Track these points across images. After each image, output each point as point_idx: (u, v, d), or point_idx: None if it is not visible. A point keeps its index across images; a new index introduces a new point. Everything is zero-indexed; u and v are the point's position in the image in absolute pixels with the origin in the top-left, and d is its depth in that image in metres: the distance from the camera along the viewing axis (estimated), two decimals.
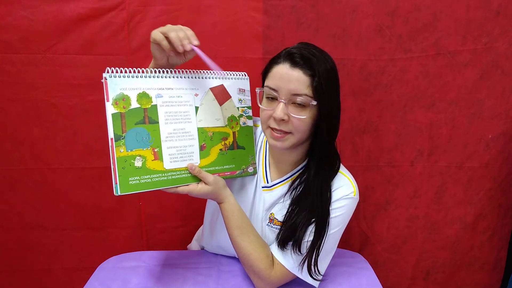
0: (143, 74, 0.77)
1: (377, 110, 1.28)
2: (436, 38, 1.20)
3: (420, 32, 1.20)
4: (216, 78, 0.87)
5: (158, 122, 0.78)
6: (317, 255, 0.84)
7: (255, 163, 0.94)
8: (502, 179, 1.30)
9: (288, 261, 0.85)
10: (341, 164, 0.90)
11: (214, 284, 0.93)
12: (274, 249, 0.88)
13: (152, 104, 0.78)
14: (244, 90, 0.92)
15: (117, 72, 0.74)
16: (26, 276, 1.36)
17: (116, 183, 0.73)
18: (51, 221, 1.31)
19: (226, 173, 0.88)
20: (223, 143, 0.88)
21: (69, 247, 1.35)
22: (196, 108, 0.84)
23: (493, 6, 1.17)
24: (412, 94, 1.26)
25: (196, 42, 0.76)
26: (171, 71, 0.81)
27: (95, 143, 1.25)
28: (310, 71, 0.76)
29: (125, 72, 0.75)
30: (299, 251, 0.84)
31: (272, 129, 0.82)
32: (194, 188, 0.80)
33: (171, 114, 0.80)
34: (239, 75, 0.91)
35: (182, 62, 0.83)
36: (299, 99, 0.78)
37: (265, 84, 0.82)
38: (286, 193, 0.90)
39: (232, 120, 0.90)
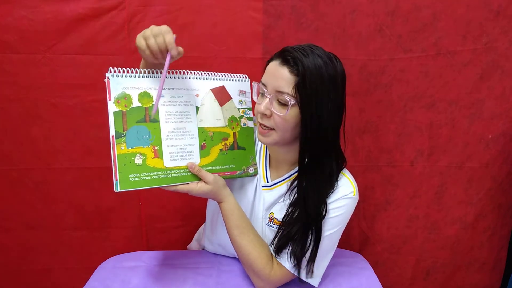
0: (145, 74, 0.78)
1: (377, 110, 1.28)
2: (436, 38, 1.20)
3: (420, 32, 1.20)
4: (217, 79, 0.88)
5: (159, 121, 0.79)
6: (315, 256, 0.84)
7: (256, 164, 0.94)
8: (502, 179, 1.30)
9: (288, 261, 0.85)
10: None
11: (214, 284, 0.93)
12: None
13: (153, 103, 0.78)
14: (245, 91, 0.93)
15: (119, 72, 0.75)
16: (26, 276, 1.36)
17: (116, 180, 0.74)
18: (51, 221, 1.31)
19: (226, 173, 0.88)
20: (223, 143, 0.88)
21: (69, 247, 1.35)
22: (197, 108, 0.84)
23: (493, 6, 1.17)
24: (412, 94, 1.26)
25: (173, 52, 0.73)
26: (172, 72, 0.81)
27: (95, 143, 1.25)
28: (296, 70, 0.76)
29: (127, 72, 0.76)
30: (297, 254, 0.84)
31: (260, 124, 0.83)
32: (194, 187, 0.80)
33: (172, 113, 0.81)
34: (240, 77, 0.92)
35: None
36: (281, 97, 0.78)
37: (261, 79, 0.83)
38: (286, 193, 0.90)
39: (232, 121, 0.90)
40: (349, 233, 1.39)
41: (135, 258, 1.04)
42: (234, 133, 0.90)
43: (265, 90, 0.81)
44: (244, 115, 0.92)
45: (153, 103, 0.78)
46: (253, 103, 0.89)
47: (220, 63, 1.23)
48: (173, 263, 1.02)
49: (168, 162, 0.80)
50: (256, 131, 0.95)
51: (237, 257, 0.91)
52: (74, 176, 1.28)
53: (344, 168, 0.90)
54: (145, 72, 0.78)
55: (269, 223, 0.93)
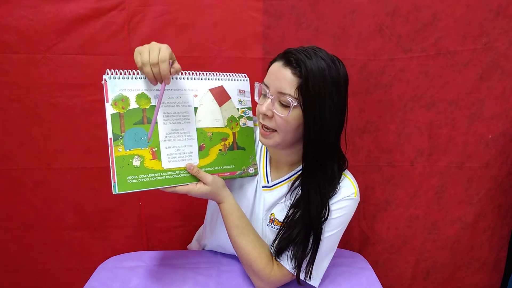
0: (143, 76, 0.78)
1: (377, 110, 1.28)
2: (436, 38, 1.20)
3: (420, 32, 1.20)
4: (215, 79, 0.87)
5: (156, 122, 0.79)
6: (315, 257, 0.84)
7: (256, 164, 0.94)
8: (502, 179, 1.30)
9: (288, 262, 0.85)
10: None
11: (214, 284, 0.93)
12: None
13: (151, 104, 0.78)
14: (244, 91, 0.92)
15: (116, 73, 0.75)
16: (26, 276, 1.36)
17: (114, 182, 0.74)
18: (51, 221, 1.31)
19: (225, 174, 0.88)
20: (222, 143, 0.88)
21: (69, 247, 1.35)
22: (195, 108, 0.84)
23: (493, 6, 1.16)
24: (412, 94, 1.26)
25: (167, 82, 0.75)
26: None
27: (95, 143, 1.25)
28: (299, 72, 0.76)
29: (125, 73, 0.76)
30: (298, 256, 0.84)
31: (262, 125, 0.83)
32: (193, 188, 0.80)
33: (170, 115, 0.81)
34: (239, 76, 0.91)
35: None
36: (283, 98, 0.78)
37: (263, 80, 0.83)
38: (286, 194, 0.90)
39: (232, 121, 0.90)
40: (349, 233, 1.39)
41: (135, 258, 1.04)
42: (234, 133, 0.90)
43: (267, 91, 0.81)
44: (244, 115, 0.92)
45: (152, 104, 0.78)
46: (254, 103, 0.89)
47: (220, 63, 1.23)
48: (173, 263, 1.02)
49: (166, 164, 0.79)
50: (257, 132, 0.96)
51: (237, 256, 0.91)
52: (74, 176, 1.28)
53: (346, 169, 0.90)
54: (142, 74, 0.78)
55: (270, 224, 0.92)
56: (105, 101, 0.74)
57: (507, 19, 1.17)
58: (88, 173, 1.28)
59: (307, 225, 0.83)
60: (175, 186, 0.79)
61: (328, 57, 0.78)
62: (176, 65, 0.76)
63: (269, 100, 0.80)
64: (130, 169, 0.75)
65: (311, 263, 0.84)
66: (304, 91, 0.75)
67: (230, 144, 0.89)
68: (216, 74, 0.88)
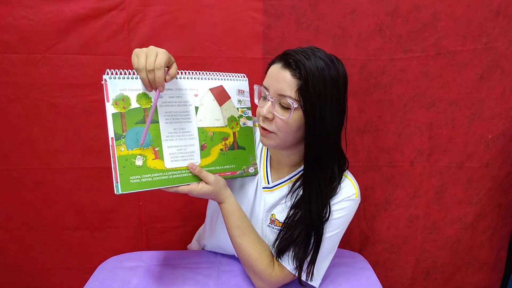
0: None
1: (377, 110, 1.28)
2: (436, 38, 1.20)
3: (420, 32, 1.20)
4: (215, 79, 0.88)
5: (158, 122, 0.79)
6: (316, 257, 0.84)
7: (256, 164, 0.94)
8: (502, 179, 1.30)
9: (289, 262, 0.85)
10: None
11: (214, 284, 0.93)
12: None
13: (152, 104, 0.78)
14: (243, 91, 0.92)
15: (116, 73, 0.75)
16: (26, 276, 1.36)
17: (117, 182, 0.73)
18: (51, 221, 1.31)
19: (227, 173, 0.88)
20: (223, 143, 0.88)
21: (69, 247, 1.35)
22: (196, 108, 0.84)
23: (493, 6, 1.16)
24: (412, 94, 1.26)
25: (161, 90, 0.75)
26: None
27: (95, 143, 1.25)
28: (299, 74, 0.75)
29: (125, 73, 0.76)
30: (299, 256, 0.84)
31: (261, 127, 0.83)
32: (195, 187, 0.80)
33: (171, 114, 0.81)
34: (238, 76, 0.92)
35: None
36: (283, 100, 0.78)
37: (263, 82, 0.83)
38: (287, 195, 0.90)
39: (232, 120, 0.90)
40: (349, 233, 1.39)
41: (135, 258, 1.04)
42: (234, 133, 0.90)
43: (267, 93, 0.80)
44: (243, 115, 0.92)
45: (152, 104, 0.78)
46: (253, 104, 0.89)
47: (220, 63, 1.23)
48: (173, 263, 1.02)
49: (168, 163, 0.79)
50: (257, 133, 0.96)
51: (237, 256, 0.91)
52: (74, 176, 1.28)
53: (346, 170, 0.90)
54: None
55: (270, 225, 0.92)
56: (106, 101, 0.74)
57: (507, 19, 1.17)
58: (88, 173, 1.28)
59: (308, 226, 0.83)
60: (177, 186, 0.79)
61: (326, 56, 0.78)
62: (172, 72, 0.75)
63: (269, 102, 0.79)
64: (133, 168, 0.75)
65: (312, 263, 0.84)
66: (305, 93, 0.75)
67: (231, 143, 0.89)
68: (216, 74, 0.88)
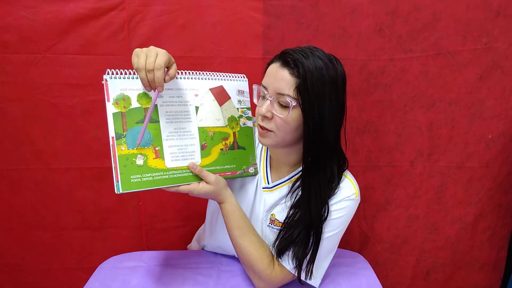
0: None
1: (377, 110, 1.28)
2: (436, 38, 1.20)
3: (420, 32, 1.20)
4: (215, 79, 0.88)
5: (158, 121, 0.79)
6: (316, 257, 0.84)
7: (256, 164, 0.94)
8: (502, 179, 1.30)
9: (289, 262, 0.85)
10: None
11: (214, 284, 0.93)
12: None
13: (151, 103, 0.78)
14: (243, 91, 0.93)
15: (117, 73, 0.75)
16: (26, 276, 1.36)
17: (117, 181, 0.73)
18: (51, 221, 1.31)
19: (227, 173, 0.88)
20: (223, 143, 0.88)
21: (69, 247, 1.35)
22: (196, 108, 0.84)
23: (493, 6, 1.17)
24: (412, 94, 1.26)
25: (160, 89, 0.75)
26: None
27: (95, 143, 1.25)
28: (297, 72, 0.76)
29: (125, 73, 0.76)
30: (299, 256, 0.84)
31: (260, 126, 0.83)
32: (195, 187, 0.80)
33: (172, 114, 0.81)
34: (238, 76, 0.92)
35: None
36: (282, 99, 0.78)
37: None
38: (287, 195, 0.90)
39: (232, 120, 0.90)
40: (349, 233, 1.39)
41: (135, 258, 1.04)
42: (234, 133, 0.90)
43: (265, 92, 0.81)
44: (243, 115, 0.92)
45: (151, 104, 0.78)
46: (253, 104, 0.89)
47: (220, 63, 1.23)
48: (173, 263, 1.02)
49: (169, 163, 0.79)
50: (257, 133, 0.96)
51: (237, 257, 0.91)
52: (74, 176, 1.28)
53: (346, 170, 0.90)
54: None
55: (270, 225, 0.92)
56: (106, 101, 0.74)
57: (507, 19, 1.17)
58: (88, 173, 1.28)
59: (307, 225, 0.83)
60: (178, 186, 0.79)
61: (325, 56, 0.79)
62: (172, 72, 0.75)
63: (268, 101, 0.80)
64: (134, 168, 0.75)
65: (311, 262, 0.84)
66: (303, 91, 0.75)
67: (231, 143, 0.90)
68: (216, 74, 0.88)
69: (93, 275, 0.98)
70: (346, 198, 0.85)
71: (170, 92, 0.81)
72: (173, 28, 1.19)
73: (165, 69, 0.74)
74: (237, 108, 0.91)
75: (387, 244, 1.39)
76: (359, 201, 0.88)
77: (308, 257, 0.84)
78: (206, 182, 0.82)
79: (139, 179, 0.76)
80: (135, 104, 0.76)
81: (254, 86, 0.86)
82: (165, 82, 0.75)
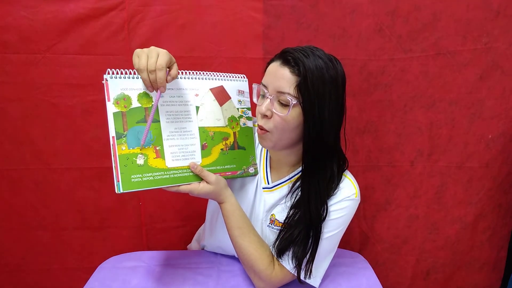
0: None
1: (377, 110, 1.28)
2: (436, 38, 1.20)
3: (420, 32, 1.20)
4: (215, 79, 0.88)
5: (159, 121, 0.79)
6: (316, 257, 0.84)
7: (256, 164, 0.94)
8: (502, 179, 1.30)
9: (289, 262, 0.85)
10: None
11: (214, 284, 0.93)
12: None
13: (153, 103, 0.78)
14: (243, 91, 0.93)
15: (117, 73, 0.75)
16: (26, 276, 1.36)
17: (118, 181, 0.73)
18: (51, 221, 1.31)
19: (227, 173, 0.88)
20: (224, 143, 0.88)
21: (69, 247, 1.35)
22: (197, 108, 0.85)
23: (493, 6, 1.17)
24: (412, 94, 1.26)
25: (163, 89, 0.75)
26: None
27: (95, 143, 1.25)
28: (298, 71, 0.76)
29: (126, 73, 0.76)
30: (299, 255, 0.84)
31: (259, 126, 0.83)
32: (196, 187, 0.80)
33: (172, 114, 0.81)
34: (238, 77, 0.92)
35: None
36: (282, 97, 0.78)
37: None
38: (287, 195, 0.90)
39: (232, 120, 0.90)
40: (349, 233, 1.39)
41: (135, 258, 1.04)
42: (234, 133, 0.90)
43: (265, 91, 0.81)
44: (243, 115, 0.92)
45: (153, 103, 0.78)
46: (253, 104, 0.89)
47: (220, 63, 1.23)
48: (173, 263, 1.02)
49: (170, 162, 0.79)
50: (256, 133, 0.96)
51: (237, 257, 0.91)
52: (74, 176, 1.28)
53: (346, 170, 0.90)
54: None
55: (270, 225, 0.92)
56: (106, 100, 0.74)
57: (507, 19, 1.17)
58: (88, 173, 1.28)
59: (307, 225, 0.83)
60: (179, 185, 0.79)
61: (325, 56, 0.79)
62: (173, 72, 0.75)
63: (268, 100, 0.80)
64: (134, 167, 0.75)
65: (311, 261, 0.84)
66: (303, 89, 0.75)
67: (231, 143, 0.90)
68: (216, 74, 0.88)
69: (93, 275, 0.97)
70: (346, 198, 0.85)
71: (170, 92, 0.81)
72: (173, 28, 1.19)
73: (167, 69, 0.74)
74: (238, 108, 0.91)
75: (387, 244, 1.39)
76: (359, 201, 0.88)
77: (307, 256, 0.84)
78: (206, 182, 0.82)
79: (140, 179, 0.76)
80: (135, 103, 0.76)
81: (254, 85, 0.86)
82: (167, 82, 0.75)
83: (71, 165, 1.27)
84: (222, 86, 0.89)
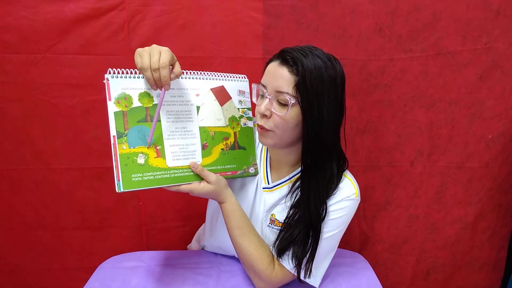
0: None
1: (377, 110, 1.28)
2: (436, 38, 1.20)
3: (420, 32, 1.20)
4: (216, 79, 0.88)
5: (160, 121, 0.79)
6: (316, 257, 0.84)
7: (256, 164, 0.94)
8: (502, 179, 1.30)
9: (289, 262, 0.85)
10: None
11: (214, 284, 0.93)
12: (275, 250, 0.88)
13: (154, 103, 0.79)
14: (244, 91, 0.93)
15: (118, 72, 0.75)
16: (26, 276, 1.36)
17: (118, 180, 0.73)
18: (51, 221, 1.31)
19: (227, 173, 0.88)
20: (224, 143, 0.88)
21: (69, 247, 1.35)
22: (198, 107, 0.85)
23: (493, 6, 1.17)
24: (412, 94, 1.26)
25: (167, 87, 0.75)
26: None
27: (95, 143, 1.25)
28: (296, 70, 0.76)
29: (127, 73, 0.76)
30: (299, 255, 0.84)
31: (259, 125, 0.83)
32: (196, 187, 0.80)
33: (173, 113, 0.81)
34: (239, 77, 0.92)
35: None
36: (281, 97, 0.78)
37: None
38: (287, 195, 0.90)
39: (233, 120, 0.90)
40: (349, 233, 1.39)
41: (135, 258, 1.04)
42: (235, 133, 0.90)
43: (264, 91, 0.81)
44: (244, 115, 0.92)
45: (155, 102, 0.78)
46: (254, 104, 0.89)
47: (220, 63, 1.23)
48: (173, 263, 1.02)
49: (170, 162, 0.80)
50: (257, 133, 0.96)
51: (237, 257, 0.91)
52: (74, 176, 1.28)
53: (346, 170, 0.90)
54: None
55: (270, 225, 0.92)
56: (107, 100, 0.74)
57: (507, 19, 1.17)
58: (88, 173, 1.28)
59: (307, 225, 0.83)
60: (179, 185, 0.79)
61: (324, 55, 0.79)
62: (177, 70, 0.76)
63: (267, 100, 0.80)
64: (135, 167, 0.75)
65: (310, 260, 0.84)
66: (302, 89, 0.75)
67: (232, 143, 0.90)
68: (217, 74, 0.89)
69: (93, 275, 0.97)
70: (346, 198, 0.85)
71: (171, 92, 0.81)
72: (173, 28, 1.19)
73: (170, 66, 0.74)
74: (238, 108, 0.91)
75: (387, 244, 1.39)
76: (359, 201, 0.88)
77: (307, 256, 0.84)
78: (207, 181, 0.82)
79: (140, 178, 0.76)
80: (136, 103, 0.77)
81: (253, 85, 0.86)
82: (170, 80, 0.75)
83: (71, 165, 1.27)
84: (223, 86, 0.89)
